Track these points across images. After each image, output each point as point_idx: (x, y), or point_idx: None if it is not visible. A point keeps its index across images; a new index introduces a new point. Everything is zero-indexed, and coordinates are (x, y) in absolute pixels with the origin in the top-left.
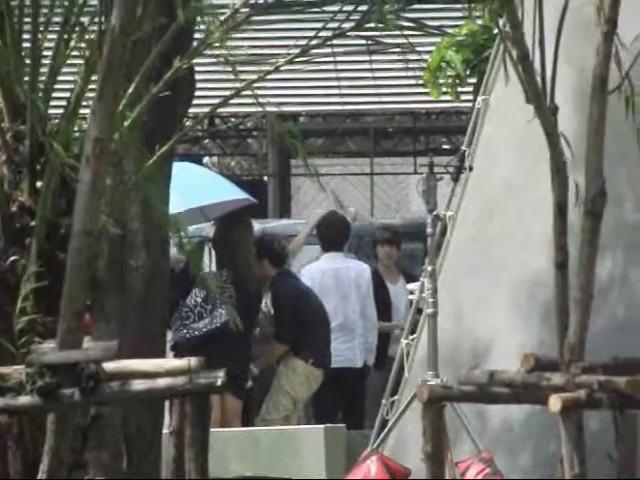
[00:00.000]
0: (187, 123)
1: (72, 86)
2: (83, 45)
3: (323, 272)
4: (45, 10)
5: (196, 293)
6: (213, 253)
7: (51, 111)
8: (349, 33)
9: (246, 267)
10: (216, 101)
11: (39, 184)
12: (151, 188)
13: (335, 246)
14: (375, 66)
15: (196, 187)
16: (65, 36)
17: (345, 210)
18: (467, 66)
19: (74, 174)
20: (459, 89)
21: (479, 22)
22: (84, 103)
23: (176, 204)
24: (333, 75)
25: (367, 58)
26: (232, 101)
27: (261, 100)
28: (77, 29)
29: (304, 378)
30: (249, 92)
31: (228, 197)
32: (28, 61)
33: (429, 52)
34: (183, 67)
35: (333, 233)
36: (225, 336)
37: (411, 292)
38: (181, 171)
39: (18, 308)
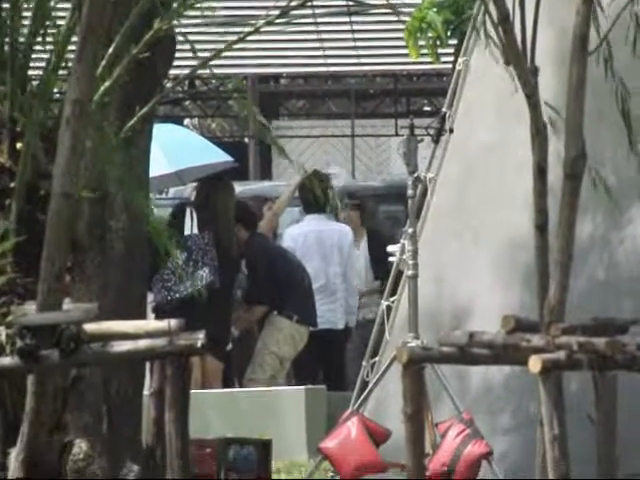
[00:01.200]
0: (167, 85)
1: (52, 47)
2: (63, 6)
3: (305, 234)
4: None
5: (177, 255)
6: (194, 216)
7: (31, 72)
8: None
9: (227, 230)
10: (196, 62)
11: (19, 145)
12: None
13: (317, 208)
14: (356, 27)
15: (181, 149)
16: None
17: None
18: (448, 27)
19: (53, 136)
20: (440, 50)
21: None
22: (64, 64)
23: (161, 165)
24: (314, 37)
25: (348, 19)
26: (213, 62)
27: (242, 62)
28: None
29: (289, 336)
30: (230, 53)
31: (212, 160)
32: (7, 22)
33: (410, 14)
34: (163, 28)
35: (315, 195)
36: (206, 298)
37: (391, 254)
38: (166, 133)
39: None
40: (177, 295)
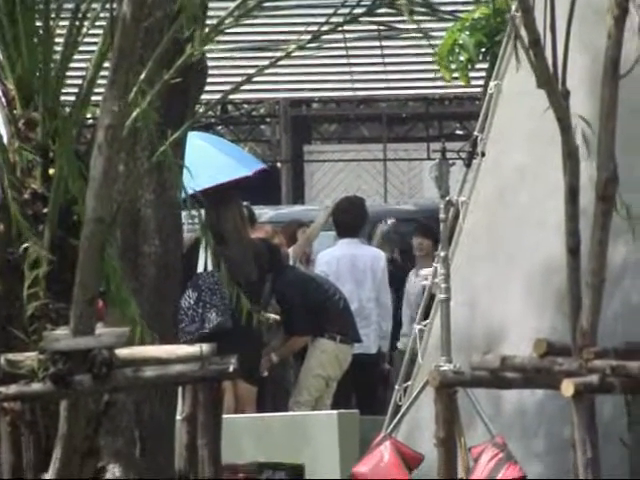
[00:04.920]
0: (199, 110)
1: (84, 73)
2: (95, 32)
3: (338, 259)
4: None
5: (189, 295)
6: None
7: (63, 98)
8: (361, 19)
9: (242, 255)
10: (228, 87)
11: (52, 171)
12: (169, 162)
13: (351, 232)
14: (387, 52)
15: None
16: (77, 23)
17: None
18: (480, 49)
19: (86, 161)
20: (472, 74)
21: (492, 6)
22: (96, 90)
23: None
24: (345, 61)
25: (379, 44)
26: (245, 87)
27: (274, 86)
28: (89, 16)
29: (334, 357)
30: (262, 78)
31: (231, 176)
32: (40, 48)
33: (441, 37)
34: (195, 53)
35: (349, 219)
36: (217, 339)
37: (424, 278)
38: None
39: (26, 294)
40: (189, 337)
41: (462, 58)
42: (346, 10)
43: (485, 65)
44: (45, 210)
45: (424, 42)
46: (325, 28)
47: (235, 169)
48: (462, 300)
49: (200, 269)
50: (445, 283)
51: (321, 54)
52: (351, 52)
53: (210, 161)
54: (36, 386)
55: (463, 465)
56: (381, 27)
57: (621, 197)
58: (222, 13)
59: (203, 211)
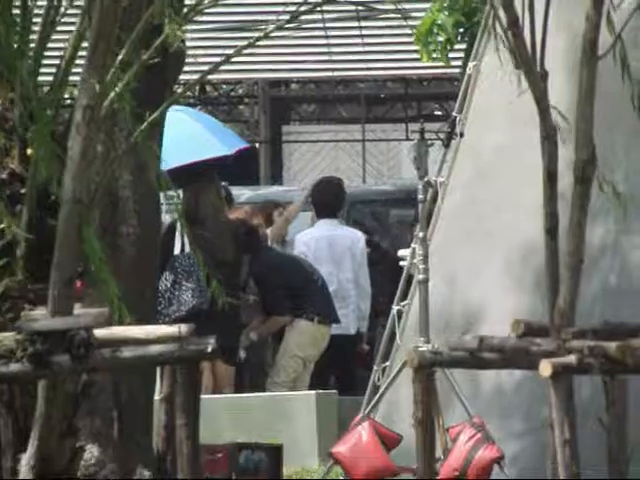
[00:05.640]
0: (178, 90)
1: (62, 53)
2: (73, 12)
3: (317, 239)
4: None
5: (166, 277)
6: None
7: (41, 78)
8: None
9: (219, 235)
10: (207, 68)
11: (29, 151)
12: (145, 148)
13: (329, 213)
14: (366, 32)
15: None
16: (55, 3)
17: None
18: (458, 29)
19: (63, 142)
20: (450, 55)
21: None
22: (74, 70)
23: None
24: (324, 41)
25: (358, 24)
26: (223, 67)
27: (252, 67)
28: None
29: (312, 338)
30: (240, 59)
31: (203, 156)
32: (18, 28)
33: (420, 18)
34: (173, 34)
35: (328, 200)
36: (194, 321)
37: (402, 258)
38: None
39: None
40: (167, 318)
41: (441, 39)
42: None
43: (464, 46)
44: (23, 190)
45: (403, 22)
46: (304, 8)
47: (216, 147)
48: (441, 281)
49: (177, 251)
50: (423, 264)
51: (300, 34)
52: (330, 32)
53: (193, 137)
54: (14, 366)
55: (441, 445)
56: (360, 7)
57: (604, 176)
58: None
59: (181, 192)
